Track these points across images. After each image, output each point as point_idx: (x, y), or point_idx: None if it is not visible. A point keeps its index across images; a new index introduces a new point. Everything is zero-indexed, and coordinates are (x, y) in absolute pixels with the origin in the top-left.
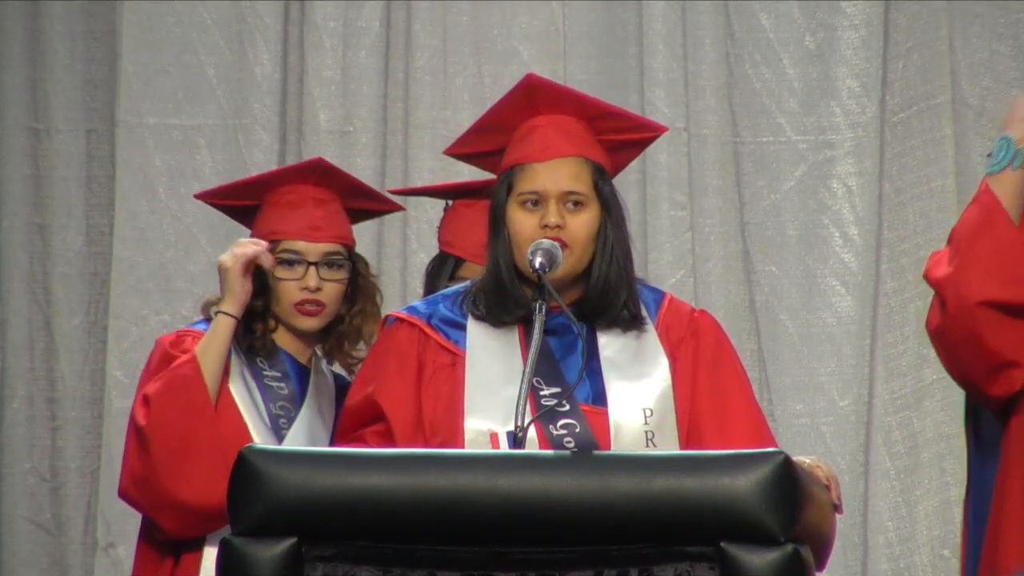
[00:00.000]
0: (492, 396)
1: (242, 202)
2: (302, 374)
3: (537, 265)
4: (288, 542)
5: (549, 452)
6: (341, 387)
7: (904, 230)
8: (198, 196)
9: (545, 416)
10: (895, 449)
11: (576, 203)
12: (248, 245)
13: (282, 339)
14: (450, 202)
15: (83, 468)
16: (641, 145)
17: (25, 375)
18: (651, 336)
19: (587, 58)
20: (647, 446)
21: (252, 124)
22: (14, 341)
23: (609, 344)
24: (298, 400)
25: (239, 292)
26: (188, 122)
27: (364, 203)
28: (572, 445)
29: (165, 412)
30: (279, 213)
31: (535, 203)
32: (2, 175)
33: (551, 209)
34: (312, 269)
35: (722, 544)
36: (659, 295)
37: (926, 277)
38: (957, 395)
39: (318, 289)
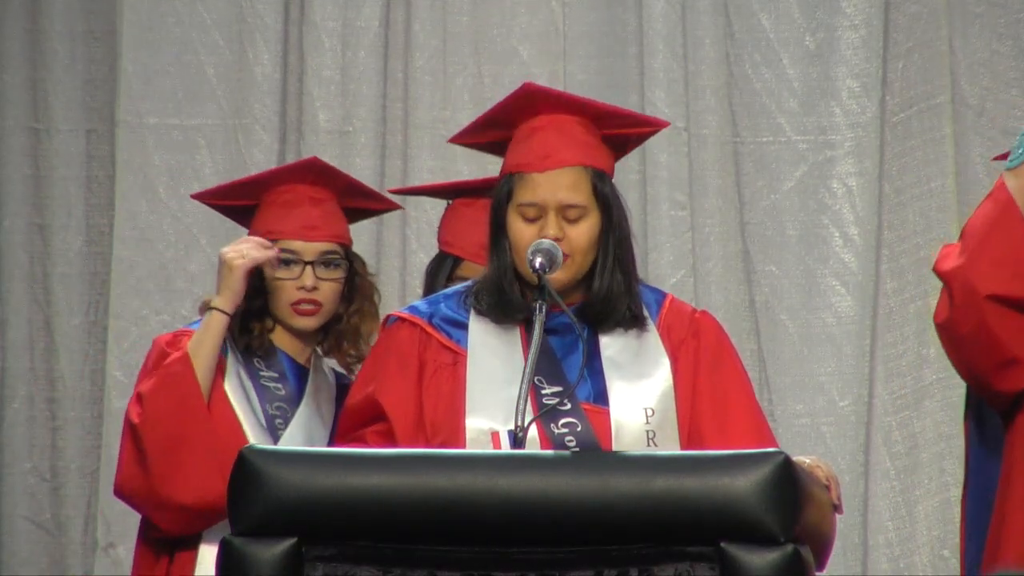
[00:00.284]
0: (493, 395)
1: (239, 202)
2: (301, 374)
3: (537, 265)
4: (288, 542)
5: (549, 452)
6: (343, 386)
7: (904, 230)
8: (195, 196)
9: (547, 415)
10: (895, 449)
11: (575, 216)
12: (260, 248)
13: (280, 339)
14: (450, 202)
15: (83, 468)
16: (642, 138)
17: (25, 375)
18: (653, 336)
19: (587, 58)
20: (648, 446)
21: (252, 124)
22: (14, 341)
23: (611, 344)
24: (296, 400)
25: (238, 291)
26: (188, 122)
27: (361, 202)
28: (573, 444)
29: (158, 409)
30: (275, 213)
31: (535, 215)
32: (2, 175)
33: (550, 221)
34: (309, 269)
35: (722, 544)
36: (660, 296)
37: (935, 270)
38: (957, 395)
39: (315, 289)
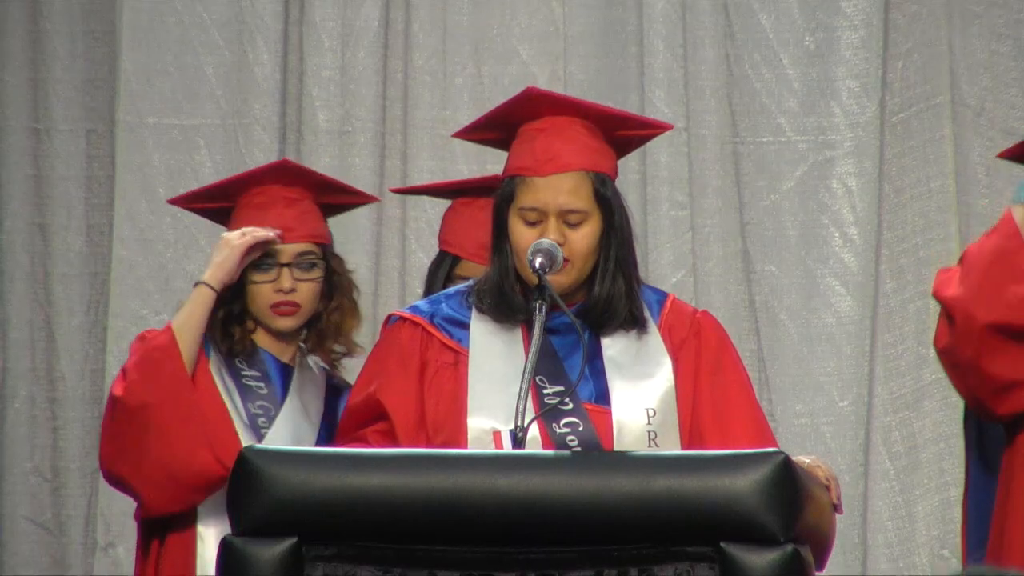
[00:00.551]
0: (495, 395)
1: (215, 205)
2: (286, 373)
3: (537, 265)
4: (288, 542)
5: (549, 452)
6: (332, 385)
7: (904, 230)
8: (171, 201)
9: (548, 415)
10: (895, 449)
11: (576, 221)
12: (260, 231)
13: (262, 339)
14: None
15: (83, 468)
16: (645, 139)
17: (25, 375)
18: (654, 337)
19: (587, 58)
20: (650, 446)
21: (251, 124)
22: (14, 341)
23: (612, 344)
24: (280, 399)
25: (230, 268)
26: (187, 122)
27: (337, 198)
28: (575, 444)
29: (142, 381)
30: (250, 215)
31: (536, 219)
32: (2, 175)
33: (551, 226)
34: (285, 270)
35: (722, 544)
36: (661, 296)
37: (935, 295)
38: (956, 395)
39: (292, 290)
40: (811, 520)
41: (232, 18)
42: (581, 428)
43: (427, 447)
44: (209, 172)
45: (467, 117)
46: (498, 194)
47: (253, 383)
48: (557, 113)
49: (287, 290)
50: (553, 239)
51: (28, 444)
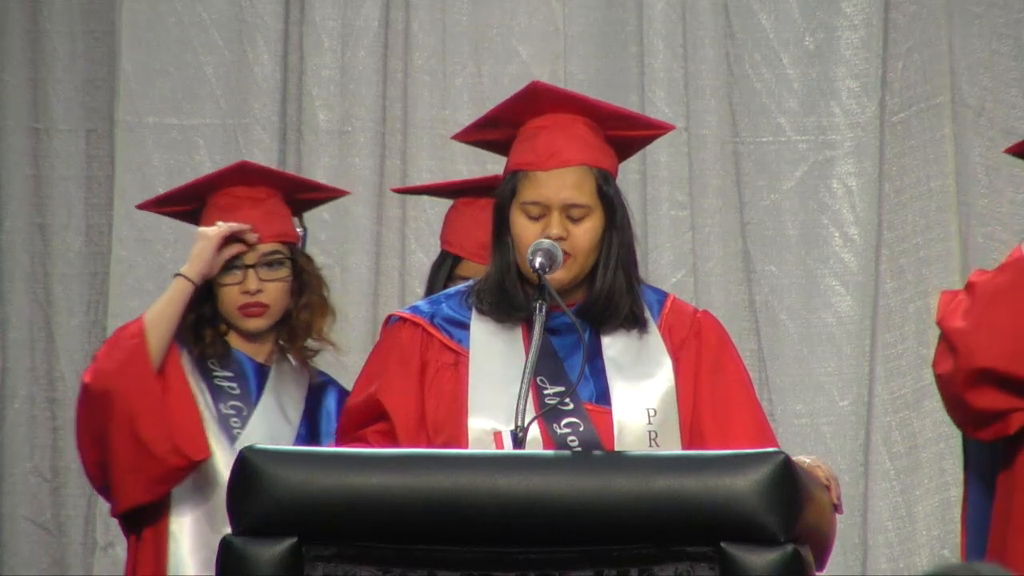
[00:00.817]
0: (496, 395)
1: (183, 207)
2: (262, 373)
3: (537, 265)
4: (288, 542)
5: (549, 452)
6: (317, 384)
7: (904, 230)
8: (140, 206)
9: (549, 415)
10: (895, 449)
11: (579, 215)
12: (235, 223)
13: (237, 341)
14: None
15: (83, 468)
16: (647, 141)
17: (25, 375)
18: (654, 336)
19: (587, 58)
20: (650, 446)
21: (251, 124)
22: (14, 341)
23: (613, 344)
24: (254, 399)
25: (206, 259)
26: (187, 122)
27: (306, 194)
28: (576, 444)
29: (108, 368)
30: (216, 217)
31: (538, 213)
32: (2, 175)
33: (554, 220)
34: (251, 272)
35: (722, 544)
36: (662, 296)
37: (940, 324)
38: None
39: (259, 291)
40: (811, 520)
41: (232, 18)
42: (582, 428)
43: (427, 447)
44: (208, 172)
45: (467, 117)
46: (499, 190)
47: (225, 384)
48: (560, 110)
49: (253, 291)
50: (556, 234)
51: (28, 444)
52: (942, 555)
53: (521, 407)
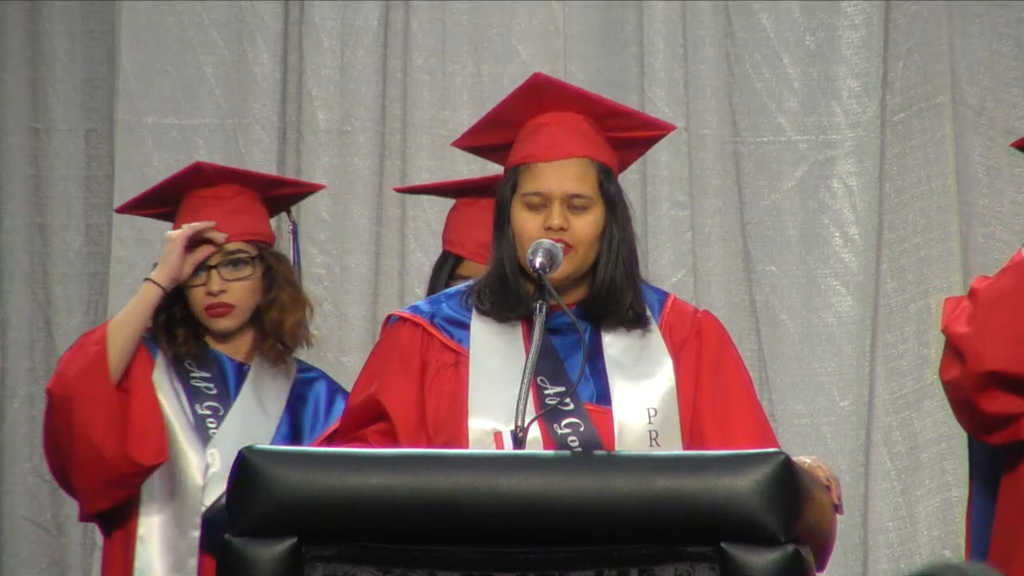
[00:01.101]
0: (496, 395)
1: (158, 210)
2: (242, 372)
3: (537, 265)
4: (288, 542)
5: (549, 452)
6: (305, 380)
7: (904, 230)
8: (119, 210)
9: (549, 415)
10: (895, 449)
11: (580, 205)
12: (198, 224)
13: (213, 340)
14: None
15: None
16: (648, 143)
17: (25, 375)
18: (655, 336)
19: (587, 58)
20: (651, 446)
21: (251, 124)
22: (13, 341)
23: (613, 344)
24: (232, 398)
25: (174, 263)
26: (187, 121)
27: (279, 190)
28: (576, 444)
29: (68, 373)
30: (185, 219)
31: (540, 204)
32: (2, 175)
33: (555, 211)
34: (214, 272)
35: (722, 544)
36: (662, 295)
37: (945, 331)
38: None
39: (222, 291)
40: (812, 520)
41: (232, 18)
42: (582, 428)
43: (428, 447)
44: None
45: (467, 116)
46: (500, 185)
47: (202, 384)
48: (562, 108)
49: (216, 292)
50: (557, 223)
51: (27, 444)
52: (942, 555)
53: (521, 407)
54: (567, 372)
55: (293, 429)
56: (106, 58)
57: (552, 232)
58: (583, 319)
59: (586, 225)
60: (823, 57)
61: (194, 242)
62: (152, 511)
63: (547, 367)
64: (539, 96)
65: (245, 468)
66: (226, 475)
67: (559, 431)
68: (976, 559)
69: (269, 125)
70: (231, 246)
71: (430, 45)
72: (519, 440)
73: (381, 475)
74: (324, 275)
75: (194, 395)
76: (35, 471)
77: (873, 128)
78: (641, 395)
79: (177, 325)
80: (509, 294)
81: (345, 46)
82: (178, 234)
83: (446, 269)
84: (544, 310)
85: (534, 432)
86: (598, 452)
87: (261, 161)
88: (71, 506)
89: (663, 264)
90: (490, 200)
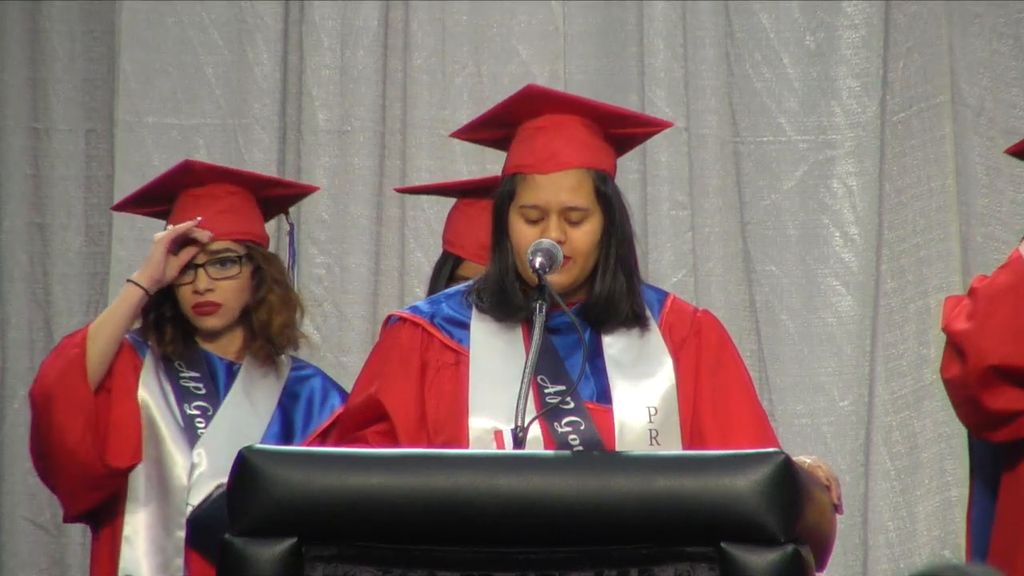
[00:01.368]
0: (496, 394)
1: (154, 208)
2: (232, 371)
3: (537, 265)
4: (288, 542)
5: (549, 452)
6: (298, 376)
7: (904, 230)
8: (116, 207)
9: (550, 414)
10: (895, 449)
11: (578, 219)
12: (182, 225)
13: (203, 340)
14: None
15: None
16: (646, 136)
17: (25, 375)
18: (655, 335)
19: (587, 58)
20: (651, 444)
21: (251, 124)
22: (13, 341)
23: (614, 343)
24: (221, 397)
25: (156, 264)
26: (187, 121)
27: (273, 191)
28: (577, 443)
29: (48, 375)
30: (176, 219)
31: (537, 217)
32: (2, 175)
33: (552, 224)
34: (201, 271)
35: (722, 544)
36: (662, 295)
37: (945, 329)
38: None
39: (209, 290)
40: (811, 520)
41: (232, 18)
42: (583, 427)
43: (428, 447)
44: None
45: (467, 116)
46: (498, 192)
47: (191, 384)
48: (557, 111)
49: (202, 291)
50: (555, 237)
51: (27, 444)
52: (942, 555)
53: (521, 407)
54: (567, 371)
55: (285, 428)
56: (106, 58)
57: None
58: (582, 318)
59: (584, 235)
60: (823, 57)
61: (180, 243)
62: (138, 511)
63: (547, 366)
64: (534, 102)
65: (245, 468)
66: (213, 475)
67: (560, 429)
68: (976, 559)
69: (269, 125)
70: (218, 245)
71: (430, 45)
72: (519, 440)
73: (381, 475)
74: (324, 275)
75: (183, 395)
76: (34, 471)
77: (873, 128)
78: (641, 394)
79: (166, 324)
80: (508, 304)
81: (345, 46)
82: (161, 236)
83: (446, 269)
84: (544, 310)
85: (535, 431)
86: (598, 452)
87: (261, 161)
88: None
89: (663, 264)
90: (490, 201)
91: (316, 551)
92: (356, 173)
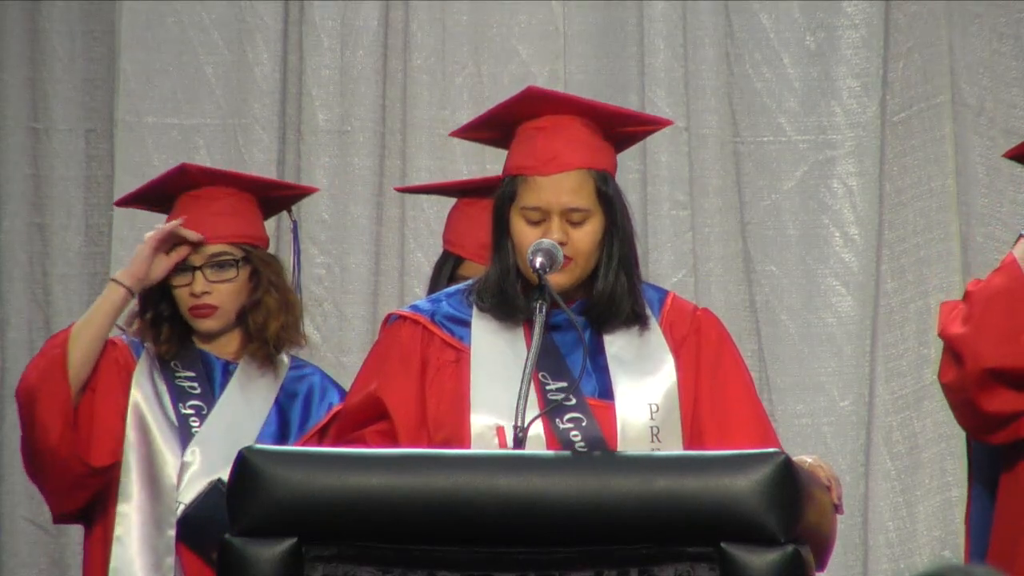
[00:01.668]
0: (498, 391)
1: (155, 210)
2: (229, 371)
3: (538, 265)
4: (288, 542)
5: (549, 452)
6: (296, 375)
7: (904, 230)
8: (118, 203)
9: (552, 410)
10: (895, 449)
11: (579, 219)
12: (169, 225)
13: (200, 340)
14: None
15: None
16: (646, 134)
17: None
18: (656, 333)
19: (587, 58)
20: (652, 442)
21: (251, 124)
22: (13, 341)
23: (615, 341)
24: (216, 397)
25: (141, 263)
26: (187, 122)
27: (271, 192)
28: (579, 439)
29: (32, 375)
30: (172, 219)
31: (538, 219)
32: (2, 175)
33: (554, 225)
34: (198, 273)
35: (722, 544)
36: (662, 293)
37: (941, 333)
38: None
39: (206, 292)
40: (812, 520)
41: (232, 18)
42: (585, 423)
43: (428, 447)
44: None
45: (467, 117)
46: (499, 193)
47: (186, 384)
48: (557, 112)
49: (199, 293)
50: (556, 238)
51: None
52: (943, 555)
53: (522, 405)
54: (569, 368)
55: (282, 427)
56: (106, 58)
57: None
58: (583, 316)
59: (585, 235)
60: (823, 57)
61: (170, 243)
62: (129, 510)
63: (549, 363)
64: (534, 103)
65: (245, 468)
66: (206, 474)
67: (561, 426)
68: (976, 559)
69: (269, 125)
70: (215, 248)
71: (430, 45)
72: (519, 439)
73: (381, 475)
74: (324, 275)
75: (178, 395)
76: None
77: (873, 128)
78: (643, 391)
79: (163, 323)
80: (509, 304)
81: (345, 46)
82: (148, 237)
83: (446, 269)
84: (544, 309)
85: (536, 428)
86: (598, 452)
87: (261, 161)
88: None
89: (663, 264)
90: (490, 201)
91: (316, 551)
92: (356, 173)
